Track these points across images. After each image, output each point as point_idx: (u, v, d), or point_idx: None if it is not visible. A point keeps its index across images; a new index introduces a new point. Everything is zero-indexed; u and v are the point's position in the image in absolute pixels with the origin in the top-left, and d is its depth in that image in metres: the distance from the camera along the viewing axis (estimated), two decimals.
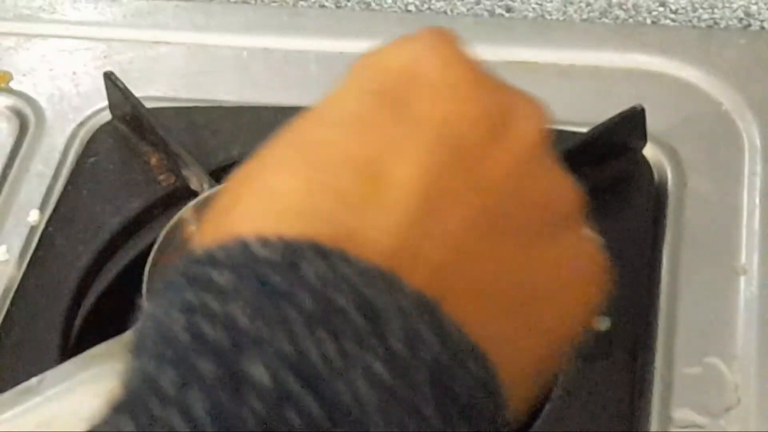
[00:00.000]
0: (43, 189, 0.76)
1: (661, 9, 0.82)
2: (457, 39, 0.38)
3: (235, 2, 0.87)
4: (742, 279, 0.67)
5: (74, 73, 0.83)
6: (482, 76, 0.37)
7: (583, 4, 0.83)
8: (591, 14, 0.83)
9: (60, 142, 0.79)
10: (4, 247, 0.73)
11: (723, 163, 0.73)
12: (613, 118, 0.71)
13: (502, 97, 0.37)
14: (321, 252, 0.31)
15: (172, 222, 0.67)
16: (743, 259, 0.68)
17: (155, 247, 0.66)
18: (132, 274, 0.73)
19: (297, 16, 0.86)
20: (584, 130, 0.71)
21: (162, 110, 0.78)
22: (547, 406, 0.62)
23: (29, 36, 0.86)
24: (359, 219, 0.32)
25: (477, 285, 0.33)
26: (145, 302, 0.63)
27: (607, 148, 0.72)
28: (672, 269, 0.68)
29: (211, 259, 0.31)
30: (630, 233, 0.69)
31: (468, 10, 0.85)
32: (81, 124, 0.80)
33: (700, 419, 0.62)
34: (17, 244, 0.73)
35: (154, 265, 0.65)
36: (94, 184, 0.75)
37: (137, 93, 0.76)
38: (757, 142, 0.74)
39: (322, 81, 0.80)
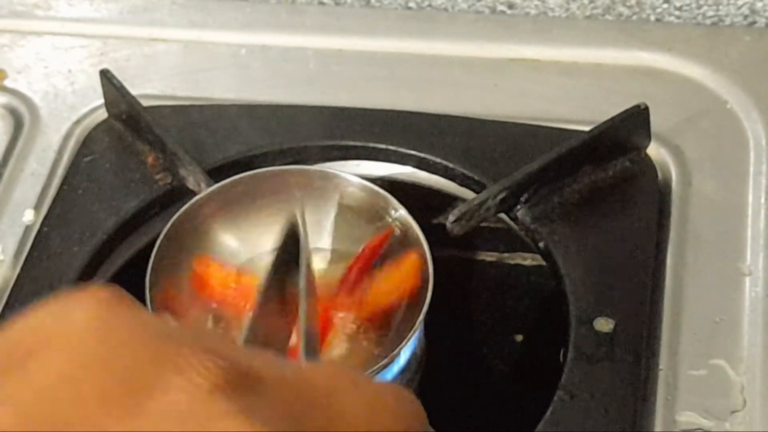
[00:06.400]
0: (38, 188, 0.75)
1: (665, 6, 0.81)
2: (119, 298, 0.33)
3: None
4: (748, 280, 0.67)
5: (69, 70, 0.83)
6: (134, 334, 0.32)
7: (586, 1, 0.82)
8: (594, 11, 0.83)
9: (55, 140, 0.78)
10: None
11: (728, 162, 0.72)
12: (617, 116, 0.70)
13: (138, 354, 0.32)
14: None
15: (173, 220, 0.66)
16: (748, 259, 0.68)
17: (155, 248, 0.65)
18: (129, 274, 0.72)
19: (296, 13, 0.86)
20: (587, 128, 0.71)
21: (159, 108, 0.77)
22: (550, 408, 0.61)
23: (24, 33, 0.86)
24: None
25: None
26: (148, 304, 0.63)
27: (610, 147, 0.71)
28: (676, 270, 0.67)
29: None
30: (634, 233, 0.68)
31: (469, 6, 0.84)
32: (76, 123, 0.79)
33: (705, 422, 0.61)
34: (12, 244, 0.72)
35: (155, 266, 0.64)
36: (90, 184, 0.74)
37: (134, 91, 0.76)
38: (763, 140, 0.73)
39: (321, 78, 0.82)
